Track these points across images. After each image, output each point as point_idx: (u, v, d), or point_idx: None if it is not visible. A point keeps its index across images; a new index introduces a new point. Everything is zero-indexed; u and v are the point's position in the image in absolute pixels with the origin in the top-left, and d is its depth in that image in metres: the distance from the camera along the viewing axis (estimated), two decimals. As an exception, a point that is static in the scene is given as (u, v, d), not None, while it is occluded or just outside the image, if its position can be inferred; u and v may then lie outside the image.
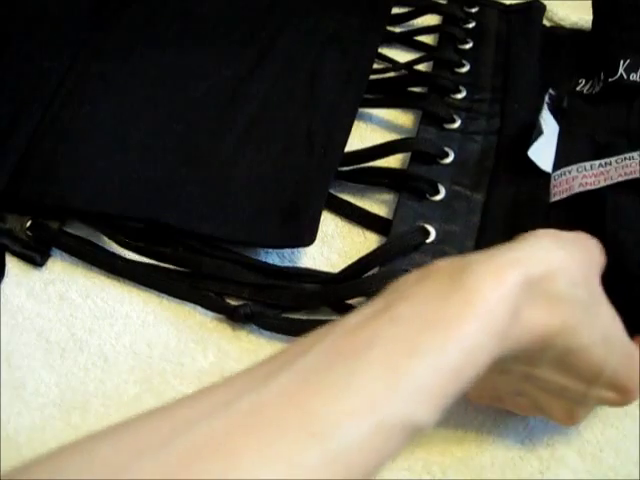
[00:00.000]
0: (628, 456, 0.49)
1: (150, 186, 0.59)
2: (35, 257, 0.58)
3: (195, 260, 0.56)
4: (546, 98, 0.62)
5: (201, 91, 0.65)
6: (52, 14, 0.69)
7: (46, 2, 0.69)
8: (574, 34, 0.72)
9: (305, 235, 0.56)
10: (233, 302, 0.56)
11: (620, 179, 0.57)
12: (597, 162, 0.58)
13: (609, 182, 0.57)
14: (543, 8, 0.72)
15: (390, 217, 0.59)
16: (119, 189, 0.58)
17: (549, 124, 0.61)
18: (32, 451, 0.49)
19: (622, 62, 0.64)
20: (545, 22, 0.73)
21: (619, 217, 0.54)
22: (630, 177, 0.56)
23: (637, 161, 0.57)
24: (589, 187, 0.57)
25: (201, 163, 0.60)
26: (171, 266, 0.57)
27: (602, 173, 0.57)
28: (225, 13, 0.71)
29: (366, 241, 0.59)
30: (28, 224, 0.58)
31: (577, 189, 0.57)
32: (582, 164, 0.58)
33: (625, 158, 0.57)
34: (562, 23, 0.72)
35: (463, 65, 0.68)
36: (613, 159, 0.58)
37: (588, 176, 0.58)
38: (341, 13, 0.71)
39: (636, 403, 0.50)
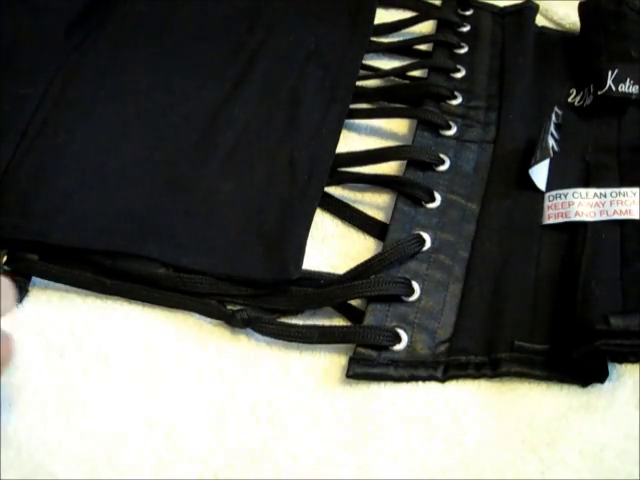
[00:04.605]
0: (629, 456, 0.49)
1: (130, 217, 0.57)
2: None
3: (189, 280, 0.55)
4: (553, 117, 0.62)
5: (181, 115, 0.63)
6: (24, 38, 0.66)
7: (17, 26, 0.67)
8: (564, 36, 0.72)
9: (290, 266, 0.55)
10: (231, 307, 0.55)
11: (616, 217, 0.57)
12: (592, 191, 0.58)
13: (605, 217, 0.57)
14: (536, 9, 0.73)
15: (387, 221, 0.59)
16: (98, 222, 0.57)
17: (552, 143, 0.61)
18: (32, 451, 0.49)
19: (610, 73, 0.64)
20: (545, 22, 0.73)
21: (594, 267, 0.54)
22: (625, 217, 0.57)
23: (631, 199, 0.57)
24: (585, 218, 0.57)
25: (183, 192, 0.59)
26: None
27: (597, 204, 0.57)
28: (205, 33, 0.70)
29: (366, 241, 0.59)
30: (4, 259, 0.56)
31: (573, 217, 0.57)
32: (577, 190, 0.58)
33: (619, 193, 0.57)
34: (562, 22, 0.73)
35: (458, 70, 0.68)
36: (608, 191, 0.58)
37: (584, 204, 0.58)
38: (322, 28, 0.71)
39: (636, 403, 0.50)
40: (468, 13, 0.74)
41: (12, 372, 0.52)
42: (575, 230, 0.57)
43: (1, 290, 0.46)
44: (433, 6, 0.75)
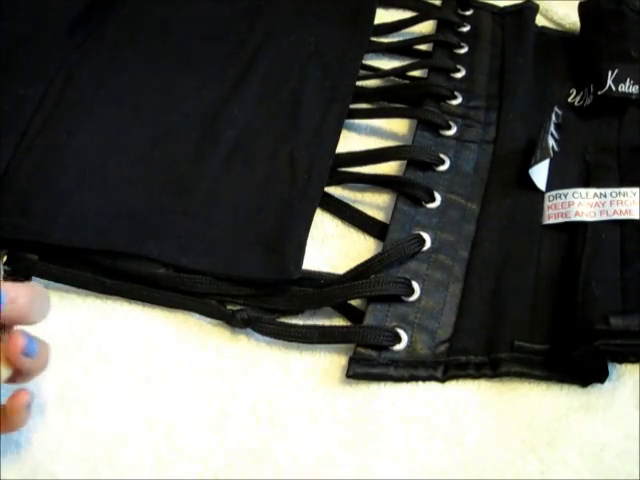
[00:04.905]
0: (628, 456, 0.49)
1: (130, 217, 0.57)
2: None
3: (189, 280, 0.55)
4: (553, 117, 0.62)
5: (181, 115, 0.64)
6: (24, 38, 0.66)
7: (17, 26, 0.67)
8: (564, 36, 0.72)
9: (290, 266, 0.55)
10: (231, 307, 0.55)
11: (616, 217, 0.57)
12: (592, 191, 0.58)
13: (605, 217, 0.57)
14: (536, 9, 0.73)
15: (387, 221, 0.59)
16: (98, 222, 0.57)
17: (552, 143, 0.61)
18: (32, 451, 0.49)
19: (610, 73, 0.64)
20: (545, 22, 0.73)
21: (594, 267, 0.54)
22: (625, 217, 0.57)
23: (631, 199, 0.57)
24: (585, 218, 0.57)
25: (183, 192, 0.59)
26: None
27: (597, 204, 0.57)
28: (205, 33, 0.70)
29: (366, 241, 0.59)
30: (4, 259, 0.56)
31: (573, 217, 0.57)
32: (577, 190, 0.58)
33: (619, 193, 0.58)
34: (562, 22, 0.73)
35: (458, 70, 0.68)
36: (608, 191, 0.58)
37: (584, 204, 0.58)
38: (322, 28, 0.71)
39: (636, 403, 0.50)
40: (468, 13, 0.74)
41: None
42: (575, 230, 0.57)
43: (39, 297, 0.47)
44: (433, 6, 0.75)
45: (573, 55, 0.69)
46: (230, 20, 0.71)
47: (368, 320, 0.54)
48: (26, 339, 0.45)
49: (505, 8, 0.73)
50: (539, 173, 0.60)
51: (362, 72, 0.69)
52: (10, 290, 0.45)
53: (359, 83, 0.67)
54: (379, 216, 0.61)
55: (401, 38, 0.73)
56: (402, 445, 0.50)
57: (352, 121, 0.66)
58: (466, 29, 0.72)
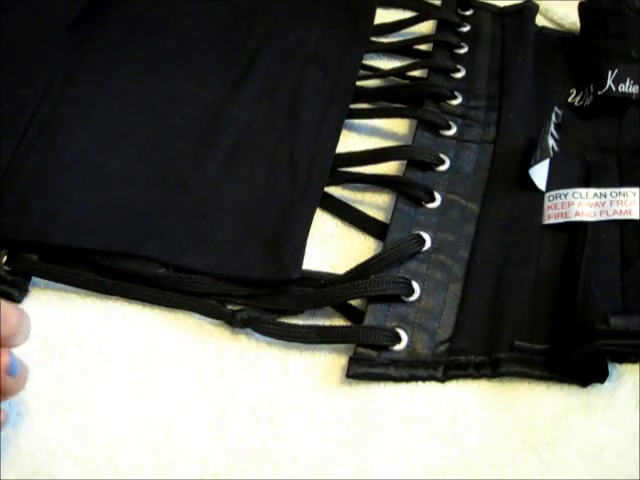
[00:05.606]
0: (628, 456, 0.49)
1: (130, 217, 0.57)
2: (13, 293, 0.55)
3: (189, 280, 0.55)
4: (553, 117, 0.62)
5: (181, 115, 0.64)
6: (24, 38, 0.66)
7: (17, 26, 0.67)
8: (564, 36, 0.72)
9: (290, 266, 0.55)
10: (231, 307, 0.55)
11: (616, 217, 0.57)
12: (592, 191, 0.58)
13: (605, 217, 0.57)
14: (536, 9, 0.73)
15: (387, 221, 0.59)
16: (98, 222, 0.57)
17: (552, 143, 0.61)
18: (32, 451, 0.49)
19: (610, 73, 0.64)
20: (545, 22, 0.73)
21: (594, 267, 0.54)
22: (625, 217, 0.57)
23: (631, 199, 0.57)
24: (585, 218, 0.57)
25: (183, 192, 0.59)
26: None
27: (597, 204, 0.57)
28: (205, 33, 0.70)
29: (366, 241, 0.59)
30: (4, 259, 0.56)
31: (573, 217, 0.57)
32: (577, 190, 0.58)
33: (619, 193, 0.57)
34: (562, 22, 0.73)
35: (458, 70, 0.68)
36: (608, 191, 0.58)
37: (584, 204, 0.58)
38: (322, 28, 0.71)
39: (636, 403, 0.50)
40: (468, 13, 0.74)
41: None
42: (575, 230, 0.57)
43: (25, 319, 0.47)
44: (433, 6, 0.75)
45: (573, 55, 0.69)
46: (230, 20, 0.71)
47: (368, 320, 0.54)
48: (10, 358, 0.45)
49: (505, 8, 0.73)
50: (539, 173, 0.60)
51: (362, 72, 0.68)
52: (2, 309, 0.45)
53: (359, 83, 0.67)
54: (379, 216, 0.61)
55: (401, 38, 0.73)
56: (402, 445, 0.50)
57: (352, 121, 0.66)
58: (466, 29, 0.72)
